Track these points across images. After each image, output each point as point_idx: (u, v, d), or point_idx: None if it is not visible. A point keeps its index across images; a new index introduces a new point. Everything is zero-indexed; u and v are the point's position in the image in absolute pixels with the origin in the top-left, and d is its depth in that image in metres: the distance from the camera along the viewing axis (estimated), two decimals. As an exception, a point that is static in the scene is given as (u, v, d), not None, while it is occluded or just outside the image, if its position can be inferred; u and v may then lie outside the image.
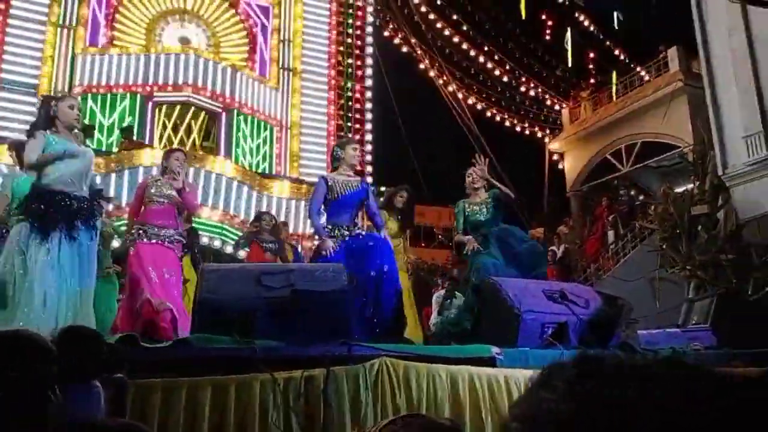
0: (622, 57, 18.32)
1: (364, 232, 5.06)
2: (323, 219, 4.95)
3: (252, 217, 10.53)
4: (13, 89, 11.14)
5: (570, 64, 18.08)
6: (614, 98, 16.63)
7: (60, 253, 3.79)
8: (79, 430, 1.13)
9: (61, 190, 3.93)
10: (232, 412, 2.94)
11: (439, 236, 18.63)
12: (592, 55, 18.74)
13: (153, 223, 5.07)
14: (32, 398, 1.61)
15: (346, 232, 4.77)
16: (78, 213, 3.95)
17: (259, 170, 12.19)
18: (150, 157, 9.95)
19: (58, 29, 11.72)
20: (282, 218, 9.81)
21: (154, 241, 5.01)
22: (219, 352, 3.14)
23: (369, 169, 13.84)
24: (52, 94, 11.19)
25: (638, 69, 16.43)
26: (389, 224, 6.19)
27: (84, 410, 2.04)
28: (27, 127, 10.59)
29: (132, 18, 12.62)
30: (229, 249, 10.14)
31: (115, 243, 6.69)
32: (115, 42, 12.32)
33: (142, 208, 5.17)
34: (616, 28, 19.77)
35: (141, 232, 5.00)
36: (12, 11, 11.50)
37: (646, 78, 15.70)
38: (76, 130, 4.23)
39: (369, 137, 14.16)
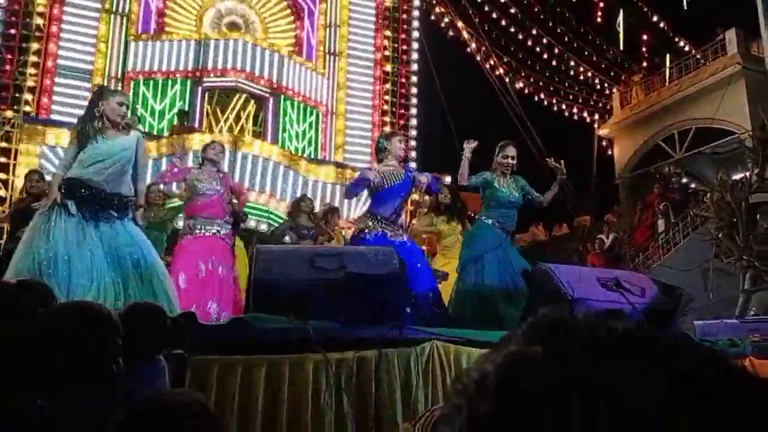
0: (676, 39, 17.71)
1: (403, 236, 4.95)
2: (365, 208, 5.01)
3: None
4: (69, 75, 11.46)
5: (622, 47, 17.59)
6: (668, 82, 16.12)
7: (92, 238, 3.85)
8: (146, 403, 1.16)
9: (89, 183, 3.99)
10: (286, 390, 2.99)
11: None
12: (645, 37, 18.17)
13: (202, 216, 5.22)
14: (98, 368, 1.65)
15: (388, 226, 4.77)
16: (108, 205, 4.01)
17: (305, 155, 12.28)
18: (200, 142, 10.12)
19: (112, 16, 11.98)
20: (327, 202, 9.87)
21: (205, 233, 5.17)
22: (273, 331, 3.19)
23: (413, 154, 13.79)
24: (105, 81, 11.49)
25: (694, 52, 15.87)
26: (441, 228, 6.19)
27: (151, 384, 2.10)
28: (82, 111, 10.90)
29: (182, 5, 12.81)
30: (263, 227, 10.28)
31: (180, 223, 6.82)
32: (166, 28, 12.54)
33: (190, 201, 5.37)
34: (671, 9, 19.10)
35: (191, 225, 5.18)
36: (68, -1, 11.82)
37: (702, 61, 15.15)
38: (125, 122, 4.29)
39: (414, 122, 14.09)
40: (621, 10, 17.76)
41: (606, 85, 17.20)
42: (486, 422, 0.42)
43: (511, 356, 0.44)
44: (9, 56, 11.25)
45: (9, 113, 10.61)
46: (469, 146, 5.07)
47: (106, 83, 11.49)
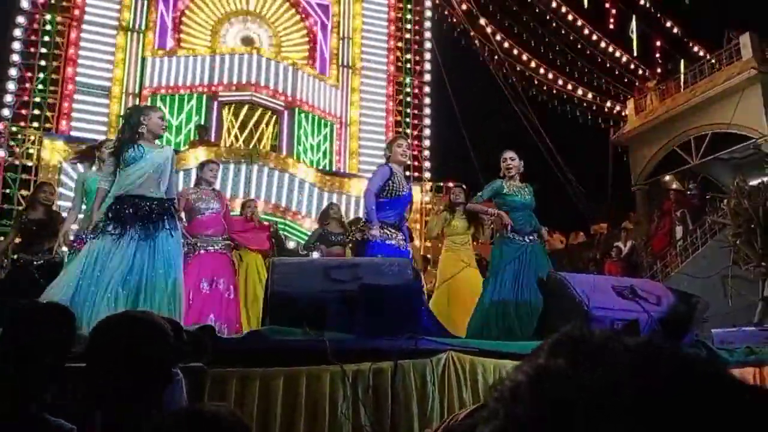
0: (690, 45, 17.63)
1: (406, 244, 4.97)
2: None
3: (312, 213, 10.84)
4: (88, 92, 11.67)
5: (635, 53, 17.52)
6: (682, 88, 16.01)
7: (135, 251, 3.94)
8: (186, 414, 1.20)
9: (134, 194, 4.09)
10: (304, 402, 3.02)
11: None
12: (658, 43, 18.11)
13: (204, 234, 5.41)
14: (153, 379, 1.69)
15: (392, 232, 4.80)
16: (150, 214, 4.11)
17: (320, 167, 12.37)
18: (215, 156, 10.28)
19: (129, 33, 12.20)
20: (351, 216, 9.93)
21: (209, 249, 5.36)
22: (290, 344, 3.23)
23: (427, 164, 13.84)
24: (123, 97, 11.69)
25: (708, 57, 15.77)
26: (454, 223, 6.19)
27: (168, 398, 2.14)
28: (101, 127, 11.04)
29: (197, 20, 13.01)
30: (291, 244, 10.34)
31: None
32: (181, 44, 12.73)
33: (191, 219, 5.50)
34: (684, 14, 19.02)
35: (194, 244, 5.33)
36: (86, 17, 12.05)
37: (717, 66, 15.05)
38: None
39: (427, 132, 14.14)
40: (633, 16, 17.74)
41: (621, 92, 17.13)
42: (521, 424, 0.50)
43: (539, 368, 0.53)
44: (29, 74, 11.49)
45: (30, 130, 10.83)
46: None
47: (123, 99, 11.69)
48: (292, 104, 12.48)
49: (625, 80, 17.29)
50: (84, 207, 5.12)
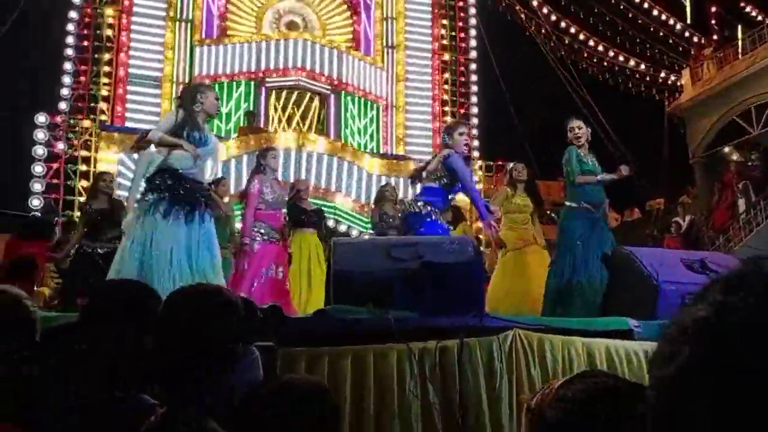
0: (748, 9, 16.80)
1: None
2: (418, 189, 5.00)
3: (357, 195, 10.86)
4: (140, 83, 11.93)
5: (690, 20, 16.82)
6: (741, 55, 15.32)
7: (188, 232, 4.02)
8: (272, 389, 1.19)
9: (184, 174, 4.16)
10: (372, 380, 3.02)
11: (549, 212, 18.07)
12: (714, 9, 17.33)
13: (269, 224, 5.54)
14: (222, 356, 1.69)
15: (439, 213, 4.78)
16: (199, 197, 4.18)
17: (368, 149, 12.35)
18: (267, 141, 10.39)
19: (177, 24, 12.38)
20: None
21: (271, 240, 5.51)
22: (356, 323, 3.23)
23: (476, 143, 13.65)
24: (174, 87, 11.90)
25: (767, 21, 15.03)
26: (515, 200, 6.04)
27: (247, 374, 2.16)
28: (154, 117, 11.31)
29: (242, 8, 13.10)
30: (342, 227, 10.40)
31: (238, 225, 7.06)
32: (228, 32, 12.86)
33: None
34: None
35: (261, 231, 5.42)
36: (135, 9, 12.29)
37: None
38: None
39: (475, 110, 13.94)
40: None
41: (675, 61, 16.49)
42: (713, 358, 0.50)
43: (721, 304, 0.52)
44: (83, 67, 11.80)
45: (86, 123, 11.14)
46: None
47: (174, 89, 11.90)
48: (338, 87, 12.48)
49: (680, 49, 16.63)
50: None
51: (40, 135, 10.66)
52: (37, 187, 10.48)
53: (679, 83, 16.40)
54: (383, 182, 11.17)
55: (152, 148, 4.53)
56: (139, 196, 4.31)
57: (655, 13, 16.35)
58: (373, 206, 7.53)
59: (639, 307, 3.86)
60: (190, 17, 12.48)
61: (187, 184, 4.12)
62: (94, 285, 3.61)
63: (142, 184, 4.35)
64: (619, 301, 4.14)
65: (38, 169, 10.57)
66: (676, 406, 0.52)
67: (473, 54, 14.20)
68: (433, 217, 4.70)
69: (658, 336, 0.57)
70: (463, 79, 14.06)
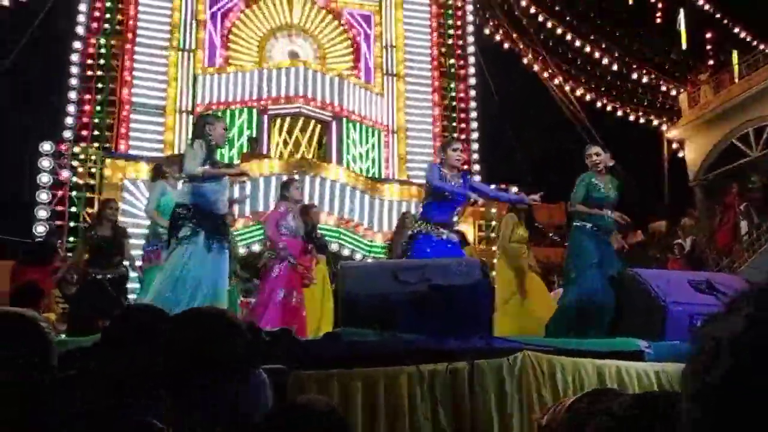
0: (742, 35, 17.03)
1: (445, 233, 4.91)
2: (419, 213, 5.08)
3: (364, 221, 10.89)
4: (143, 111, 12.03)
5: (685, 46, 17.05)
6: (737, 79, 15.50)
7: (212, 262, 4.11)
8: (289, 409, 1.19)
9: (211, 209, 4.25)
10: (383, 403, 3.01)
11: (551, 234, 18.07)
12: (708, 35, 17.57)
13: (292, 252, 5.64)
14: (229, 378, 1.69)
15: (443, 231, 4.79)
16: (222, 227, 4.27)
17: (369, 175, 12.41)
18: (268, 168, 10.46)
19: (180, 53, 12.53)
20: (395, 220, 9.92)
21: (291, 263, 5.63)
22: (366, 345, 3.23)
23: (476, 168, 13.72)
24: (177, 115, 12.02)
25: (762, 46, 15.24)
26: (518, 231, 6.08)
27: (255, 396, 2.15)
28: (158, 145, 11.40)
29: (244, 37, 13.27)
30: (346, 252, 10.41)
31: (242, 250, 7.11)
32: (230, 61, 13.00)
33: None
34: (734, 3, 18.41)
35: (285, 256, 5.51)
36: (138, 39, 12.45)
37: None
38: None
39: (475, 136, 14.03)
40: (681, 9, 17.28)
41: (671, 86, 16.67)
42: (752, 368, 0.51)
43: (754, 317, 0.54)
44: (87, 96, 11.92)
45: (91, 150, 11.22)
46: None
47: (177, 117, 12.01)
48: (339, 114, 12.59)
49: (676, 74, 16.82)
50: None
51: (45, 163, 10.73)
52: (42, 213, 10.53)
53: (676, 108, 16.57)
54: (384, 205, 11.27)
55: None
56: (165, 223, 4.48)
57: (651, 38, 16.58)
58: (394, 235, 7.51)
59: (647, 328, 3.87)
60: (193, 47, 12.63)
61: (217, 218, 4.23)
62: (108, 310, 3.64)
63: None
64: (628, 323, 4.14)
65: (43, 196, 10.63)
66: (721, 414, 0.53)
67: (472, 81, 14.35)
68: (424, 233, 4.76)
69: (690, 350, 0.58)
70: (462, 105, 14.18)
